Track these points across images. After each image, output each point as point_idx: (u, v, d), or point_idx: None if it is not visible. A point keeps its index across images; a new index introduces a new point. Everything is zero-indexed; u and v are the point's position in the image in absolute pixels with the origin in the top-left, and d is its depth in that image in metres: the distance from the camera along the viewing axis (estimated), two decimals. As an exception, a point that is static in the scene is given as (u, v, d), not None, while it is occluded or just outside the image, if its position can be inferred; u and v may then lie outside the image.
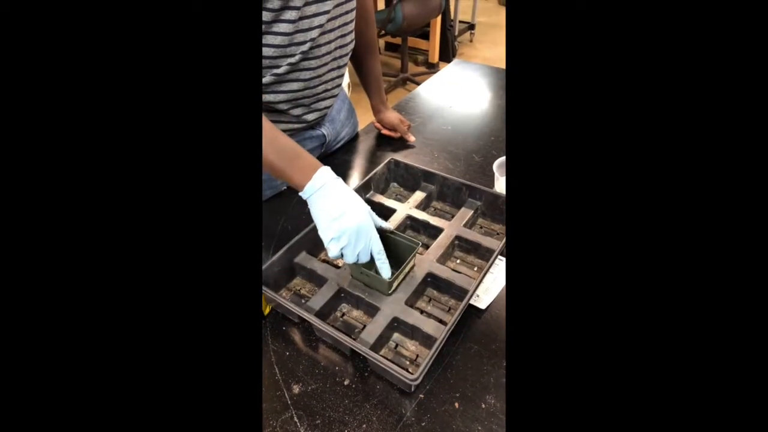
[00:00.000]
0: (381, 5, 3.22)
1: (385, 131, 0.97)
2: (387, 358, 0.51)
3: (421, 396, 0.51)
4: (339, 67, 0.76)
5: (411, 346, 0.56)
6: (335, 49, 0.73)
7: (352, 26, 0.75)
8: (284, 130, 0.78)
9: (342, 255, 0.55)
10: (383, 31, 2.45)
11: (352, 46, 0.78)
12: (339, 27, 0.71)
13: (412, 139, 0.94)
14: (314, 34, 0.66)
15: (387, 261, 0.57)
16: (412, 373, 0.48)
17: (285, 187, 0.84)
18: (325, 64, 0.72)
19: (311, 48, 0.68)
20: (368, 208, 0.57)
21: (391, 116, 0.94)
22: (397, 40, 2.85)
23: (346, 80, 2.23)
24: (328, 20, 0.67)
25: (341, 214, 0.54)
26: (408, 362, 0.55)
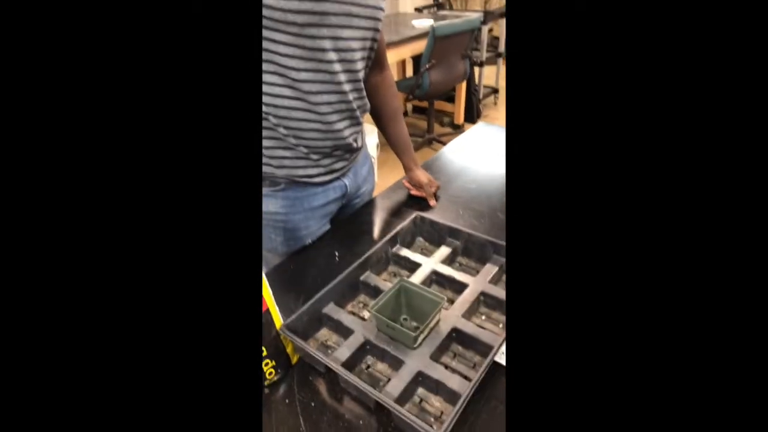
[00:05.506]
0: (410, 72, 3.42)
1: (414, 191, 1.01)
2: (412, 413, 0.51)
3: (446, 455, 0.50)
4: (347, 118, 0.79)
5: (435, 402, 0.56)
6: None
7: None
8: (311, 176, 0.82)
9: None
10: (411, 96, 2.59)
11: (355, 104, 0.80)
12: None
13: (433, 202, 0.97)
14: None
15: None
16: (436, 431, 0.47)
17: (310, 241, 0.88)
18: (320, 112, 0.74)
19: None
20: None
21: (420, 175, 0.98)
22: (424, 104, 2.99)
23: (374, 141, 2.34)
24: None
25: None
26: (432, 419, 0.54)
